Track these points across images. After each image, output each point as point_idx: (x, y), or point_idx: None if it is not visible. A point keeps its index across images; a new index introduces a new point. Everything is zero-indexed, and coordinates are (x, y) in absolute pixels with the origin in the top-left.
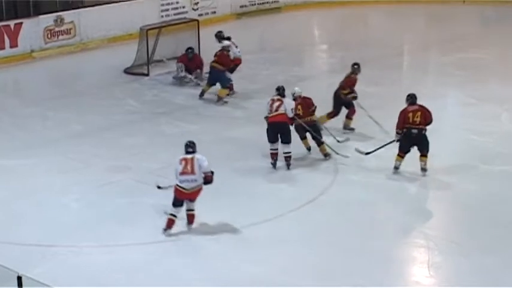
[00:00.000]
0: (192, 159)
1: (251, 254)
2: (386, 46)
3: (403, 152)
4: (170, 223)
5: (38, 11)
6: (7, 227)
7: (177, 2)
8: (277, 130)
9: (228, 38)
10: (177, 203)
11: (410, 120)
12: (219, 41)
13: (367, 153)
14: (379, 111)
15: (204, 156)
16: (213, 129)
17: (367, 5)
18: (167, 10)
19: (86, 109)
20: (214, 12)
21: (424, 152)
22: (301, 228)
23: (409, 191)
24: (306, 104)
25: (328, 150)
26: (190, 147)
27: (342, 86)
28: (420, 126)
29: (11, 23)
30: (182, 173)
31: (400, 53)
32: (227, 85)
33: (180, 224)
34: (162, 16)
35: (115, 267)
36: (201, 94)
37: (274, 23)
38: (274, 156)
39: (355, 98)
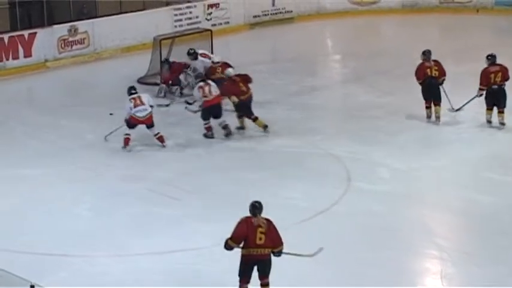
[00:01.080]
0: (139, 96)
1: None
2: (399, 56)
3: (490, 106)
4: (127, 141)
5: (52, 20)
6: (20, 236)
7: (191, 12)
8: (215, 110)
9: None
10: (131, 126)
11: (492, 80)
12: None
13: (457, 110)
14: (391, 122)
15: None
16: (224, 139)
17: (380, 15)
18: (181, 20)
19: (99, 118)
20: (228, 22)
21: (501, 106)
22: (313, 239)
23: (421, 200)
24: (245, 80)
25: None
26: (133, 89)
27: None
28: (500, 83)
29: (25, 33)
30: (135, 106)
31: (413, 63)
32: None
33: (192, 232)
34: (176, 26)
35: (128, 276)
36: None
37: (287, 33)
38: (210, 128)
39: None
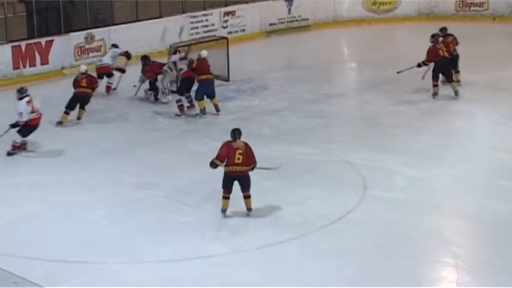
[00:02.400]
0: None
1: (279, 273)
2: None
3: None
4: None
5: (69, 28)
6: (35, 243)
7: (207, 20)
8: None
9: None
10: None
11: (442, 54)
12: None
13: (398, 72)
14: (407, 129)
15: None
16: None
17: (396, 22)
18: (197, 28)
19: (114, 126)
20: (244, 30)
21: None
22: (329, 247)
23: (437, 209)
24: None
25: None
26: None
27: None
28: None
29: (42, 41)
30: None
31: (429, 70)
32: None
33: (207, 239)
34: (192, 34)
35: (143, 284)
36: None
37: (303, 40)
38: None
39: None
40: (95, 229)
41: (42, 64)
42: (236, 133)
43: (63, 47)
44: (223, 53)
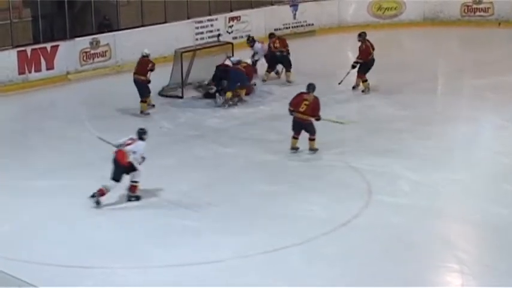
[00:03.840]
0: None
1: (284, 277)
2: (420, 69)
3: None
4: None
5: (74, 33)
6: (40, 248)
7: (212, 25)
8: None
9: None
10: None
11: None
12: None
13: (339, 83)
14: (412, 134)
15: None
16: (245, 152)
17: (401, 28)
18: (202, 33)
19: (120, 131)
20: (249, 35)
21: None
22: (334, 251)
23: (441, 213)
24: None
25: None
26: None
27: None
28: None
29: (48, 46)
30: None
31: (434, 76)
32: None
33: (212, 244)
34: (197, 39)
35: None
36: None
37: (308, 46)
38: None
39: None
40: (100, 234)
41: (47, 69)
42: (310, 87)
43: (69, 52)
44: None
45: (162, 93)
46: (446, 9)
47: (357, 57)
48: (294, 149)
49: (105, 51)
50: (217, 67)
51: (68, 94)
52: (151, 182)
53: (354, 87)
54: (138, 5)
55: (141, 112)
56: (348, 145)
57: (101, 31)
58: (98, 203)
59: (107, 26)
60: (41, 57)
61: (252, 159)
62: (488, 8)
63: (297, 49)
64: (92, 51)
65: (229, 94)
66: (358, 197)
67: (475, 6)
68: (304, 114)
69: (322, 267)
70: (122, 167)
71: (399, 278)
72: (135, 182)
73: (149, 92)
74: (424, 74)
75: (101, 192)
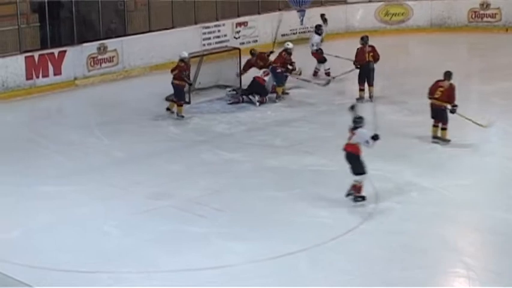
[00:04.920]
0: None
1: (291, 283)
2: (428, 75)
3: (362, 82)
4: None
5: (82, 39)
6: (48, 253)
7: (219, 31)
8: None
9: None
10: None
11: (367, 59)
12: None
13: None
14: (420, 141)
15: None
16: (252, 157)
17: (408, 33)
18: (209, 38)
19: (127, 136)
20: (256, 40)
21: (370, 82)
22: (341, 257)
23: (449, 219)
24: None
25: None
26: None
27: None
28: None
29: (55, 51)
30: None
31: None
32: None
33: (220, 250)
34: (204, 44)
35: None
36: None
37: None
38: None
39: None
40: (108, 239)
41: (55, 75)
42: (447, 75)
43: (76, 58)
44: (236, 64)
45: (169, 98)
46: (453, 15)
47: (354, 61)
48: (436, 138)
49: (113, 57)
50: (255, 79)
51: (75, 99)
52: (160, 187)
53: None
54: (146, 10)
55: (177, 114)
56: None
57: (108, 37)
58: (363, 198)
59: (114, 31)
60: (49, 62)
61: (260, 165)
62: (495, 13)
63: (303, 55)
64: (100, 57)
65: (279, 89)
66: (366, 203)
67: (482, 11)
68: (438, 100)
69: (330, 273)
70: (354, 158)
71: (407, 284)
72: (357, 181)
73: (185, 97)
74: (432, 80)
75: (356, 188)
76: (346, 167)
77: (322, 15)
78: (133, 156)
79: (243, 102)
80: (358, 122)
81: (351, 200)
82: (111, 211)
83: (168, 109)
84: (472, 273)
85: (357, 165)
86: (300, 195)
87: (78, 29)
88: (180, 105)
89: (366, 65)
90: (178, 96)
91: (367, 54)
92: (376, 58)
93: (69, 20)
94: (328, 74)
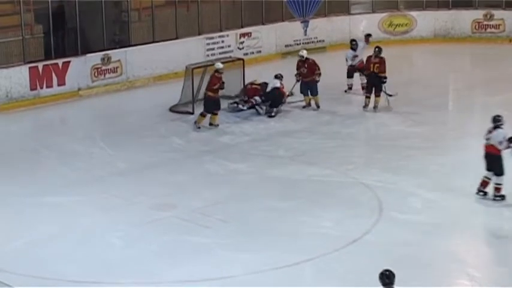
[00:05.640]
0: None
1: None
2: (431, 86)
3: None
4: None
5: (86, 49)
6: (52, 263)
7: (223, 41)
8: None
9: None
10: None
11: (371, 69)
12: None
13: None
14: (423, 151)
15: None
16: (256, 168)
17: (412, 44)
18: (213, 49)
19: (131, 147)
20: (260, 51)
21: (377, 92)
22: (345, 268)
23: (453, 230)
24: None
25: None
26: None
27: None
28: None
29: (59, 62)
30: None
31: (445, 92)
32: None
33: (224, 261)
34: (208, 55)
35: None
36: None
37: (319, 62)
38: None
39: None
40: (111, 250)
41: (59, 85)
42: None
43: (80, 68)
44: (239, 74)
45: (173, 109)
46: (457, 25)
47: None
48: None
49: (117, 67)
50: (274, 89)
51: (79, 110)
52: (163, 198)
53: (364, 106)
54: (150, 21)
55: (195, 123)
56: (359, 162)
57: (112, 47)
58: (502, 197)
59: (118, 42)
60: (53, 73)
61: (263, 176)
62: (499, 24)
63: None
64: (103, 67)
65: (316, 99)
66: (370, 214)
67: (486, 22)
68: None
69: (333, 284)
70: (493, 158)
71: None
72: (499, 184)
73: (215, 109)
74: (435, 91)
75: (484, 184)
76: (350, 176)
77: (367, 36)
78: (137, 167)
79: (248, 109)
80: (498, 120)
81: (480, 197)
82: (115, 222)
83: (198, 126)
84: (475, 283)
85: (496, 166)
86: (304, 205)
87: (82, 39)
88: (214, 114)
89: (372, 75)
90: (214, 106)
91: (372, 65)
92: (380, 71)
93: (73, 31)
94: (350, 88)
